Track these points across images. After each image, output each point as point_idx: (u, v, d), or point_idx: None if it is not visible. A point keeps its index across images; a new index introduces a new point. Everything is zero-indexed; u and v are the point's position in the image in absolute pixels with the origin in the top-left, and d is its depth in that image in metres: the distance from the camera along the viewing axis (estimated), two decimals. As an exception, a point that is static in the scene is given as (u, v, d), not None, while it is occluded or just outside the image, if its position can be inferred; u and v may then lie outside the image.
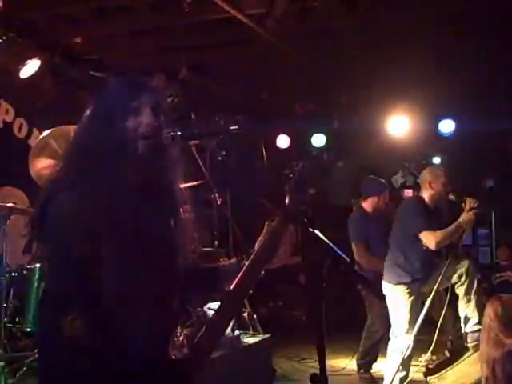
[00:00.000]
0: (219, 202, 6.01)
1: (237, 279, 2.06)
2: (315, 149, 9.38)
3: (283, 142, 9.49)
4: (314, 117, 8.97)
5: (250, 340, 5.87)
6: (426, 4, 6.04)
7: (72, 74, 6.75)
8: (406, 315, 5.22)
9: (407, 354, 5.09)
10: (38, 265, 5.05)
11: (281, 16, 6.14)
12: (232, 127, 2.27)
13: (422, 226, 5.12)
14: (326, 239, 2.14)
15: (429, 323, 7.85)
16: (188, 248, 2.11)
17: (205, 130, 2.24)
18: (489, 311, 3.07)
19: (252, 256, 2.11)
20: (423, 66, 7.29)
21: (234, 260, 2.27)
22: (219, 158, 5.71)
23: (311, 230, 2.14)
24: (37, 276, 4.99)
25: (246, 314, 6.29)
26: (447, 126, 8.59)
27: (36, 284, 4.98)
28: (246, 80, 7.83)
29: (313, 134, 9.01)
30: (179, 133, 2.12)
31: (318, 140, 9.08)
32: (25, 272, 4.99)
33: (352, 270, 2.12)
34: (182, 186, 6.15)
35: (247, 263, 2.10)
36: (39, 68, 6.02)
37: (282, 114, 9.06)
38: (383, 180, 6.83)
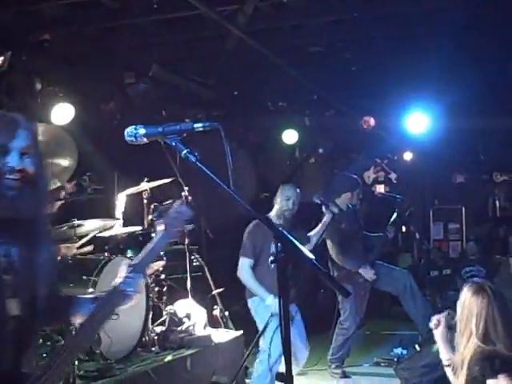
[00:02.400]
0: (189, 200, 5.98)
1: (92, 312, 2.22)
2: (287, 145, 9.40)
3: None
4: (285, 113, 8.97)
5: (222, 337, 5.88)
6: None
7: (39, 71, 6.64)
8: None
9: None
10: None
11: (252, 13, 6.12)
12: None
13: None
14: (291, 238, 2.15)
15: (396, 317, 8.01)
16: (50, 278, 2.25)
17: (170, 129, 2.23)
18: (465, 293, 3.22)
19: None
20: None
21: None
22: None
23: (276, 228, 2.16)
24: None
25: (217, 312, 6.29)
26: (419, 122, 8.65)
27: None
28: (218, 77, 7.79)
29: (284, 130, 9.01)
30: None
31: (290, 136, 9.07)
32: None
33: (317, 267, 2.12)
34: (154, 183, 6.04)
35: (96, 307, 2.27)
36: (6, 65, 5.90)
37: (255, 111, 9.04)
38: (356, 176, 6.87)
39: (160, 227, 2.48)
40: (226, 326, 6.25)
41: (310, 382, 6.21)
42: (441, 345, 3.32)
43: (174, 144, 2.20)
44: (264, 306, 5.13)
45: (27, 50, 6.35)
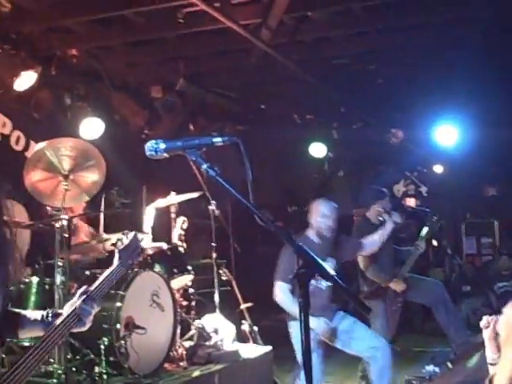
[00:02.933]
0: (217, 214, 5.95)
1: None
2: (314, 158, 9.34)
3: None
4: (312, 126, 8.93)
5: (251, 353, 5.81)
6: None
7: (68, 86, 6.71)
8: None
9: None
10: (35, 278, 4.99)
11: (276, 26, 6.11)
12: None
13: None
14: (312, 254, 2.10)
15: (428, 334, 7.85)
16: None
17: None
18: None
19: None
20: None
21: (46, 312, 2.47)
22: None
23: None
24: (34, 289, 4.93)
25: (246, 327, 6.21)
26: (448, 135, 8.53)
27: (34, 298, 4.92)
28: (244, 90, 7.79)
29: (311, 143, 8.96)
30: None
31: (317, 149, 9.02)
32: (22, 285, 4.93)
33: (338, 283, 2.07)
34: (182, 197, 6.01)
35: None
36: (35, 80, 5.98)
37: (281, 124, 9.02)
38: (383, 189, 6.77)
39: (116, 258, 2.64)
40: (255, 341, 6.17)
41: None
42: (487, 343, 3.16)
43: (193, 158, 2.17)
44: None
45: (56, 65, 6.43)
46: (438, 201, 11.05)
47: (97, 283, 2.49)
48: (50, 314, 2.42)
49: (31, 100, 6.32)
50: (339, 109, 8.66)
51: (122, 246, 2.69)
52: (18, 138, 6.76)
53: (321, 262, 2.16)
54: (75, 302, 2.40)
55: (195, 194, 6.07)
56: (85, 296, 2.40)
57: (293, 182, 10.34)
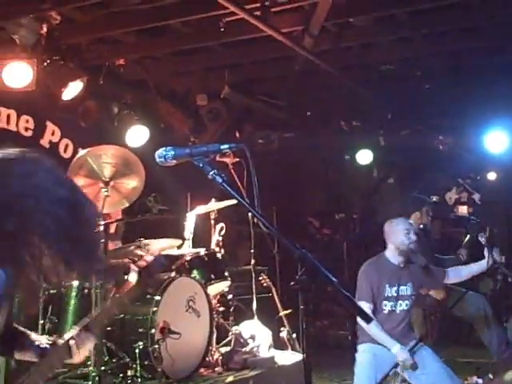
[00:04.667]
0: (256, 220, 6.00)
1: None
2: (361, 166, 9.28)
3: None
4: (359, 133, 8.87)
5: (287, 359, 5.82)
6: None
7: (115, 95, 6.90)
8: None
9: None
10: (75, 282, 5.15)
11: (318, 33, 6.12)
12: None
13: None
14: (313, 259, 2.12)
15: (475, 345, 7.66)
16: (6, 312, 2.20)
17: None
18: None
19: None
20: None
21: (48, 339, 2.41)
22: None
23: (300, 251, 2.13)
24: (74, 293, 5.09)
25: (284, 334, 6.24)
26: (498, 141, 8.32)
27: (73, 301, 5.08)
28: (289, 97, 7.82)
29: (358, 150, 8.91)
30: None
31: (364, 156, 8.96)
32: (62, 289, 5.10)
33: (340, 291, 2.08)
34: (222, 204, 6.06)
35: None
36: (82, 90, 6.18)
37: (328, 131, 9.00)
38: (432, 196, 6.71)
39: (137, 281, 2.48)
40: (293, 349, 6.18)
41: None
42: None
43: (201, 165, 2.22)
44: (381, 353, 4.58)
45: (104, 75, 6.63)
46: (491, 208, 10.78)
47: (95, 313, 2.45)
48: (49, 342, 2.37)
49: (79, 109, 6.52)
50: (386, 115, 8.57)
51: (142, 266, 2.53)
52: (67, 146, 7.01)
53: (323, 268, 2.15)
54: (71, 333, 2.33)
55: (234, 201, 6.11)
56: (82, 327, 2.35)
57: (340, 189, 10.29)
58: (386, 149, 9.16)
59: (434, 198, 9.97)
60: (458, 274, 5.17)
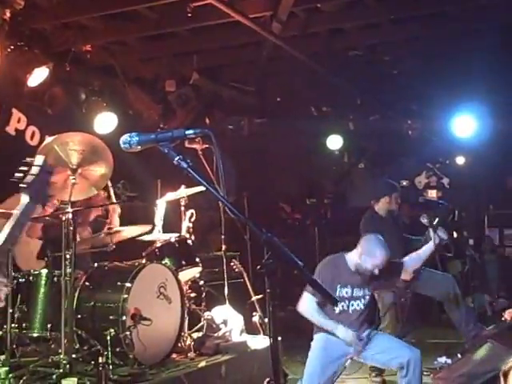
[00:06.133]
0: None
1: None
2: (333, 150, 9.33)
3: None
4: (329, 118, 8.91)
5: (259, 344, 5.85)
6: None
7: (83, 82, 6.82)
8: None
9: None
10: (44, 270, 5.11)
11: (286, 19, 6.12)
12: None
13: None
14: (279, 243, 2.13)
15: (444, 325, 7.80)
16: None
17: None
18: None
19: None
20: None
21: None
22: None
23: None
24: (43, 281, 5.04)
25: (256, 318, 6.26)
26: (466, 126, 8.42)
27: (43, 289, 5.03)
28: (258, 83, 7.81)
29: (328, 136, 8.95)
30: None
31: (335, 141, 9.01)
32: (31, 278, 5.04)
33: (305, 274, 2.11)
34: (192, 190, 6.02)
35: None
36: (48, 76, 6.09)
37: (298, 116, 9.01)
38: (394, 182, 6.76)
39: (24, 198, 2.41)
40: (265, 333, 6.20)
41: (351, 390, 6.11)
42: None
43: (166, 151, 2.21)
44: (332, 341, 4.60)
45: (70, 61, 6.54)
46: (460, 192, 10.94)
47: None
48: None
49: (45, 96, 6.43)
50: (355, 100, 8.62)
51: (30, 179, 2.43)
52: (33, 133, 6.90)
53: (289, 252, 2.17)
54: None
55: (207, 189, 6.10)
56: None
57: (312, 174, 10.33)
58: (356, 134, 9.24)
59: (404, 183, 10.11)
60: (413, 260, 5.11)
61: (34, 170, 2.44)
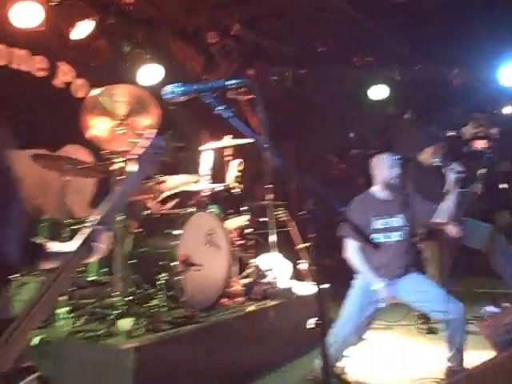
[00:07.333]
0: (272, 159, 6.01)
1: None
2: (377, 101, 9.20)
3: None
4: (373, 68, 8.77)
5: (307, 290, 5.92)
6: None
7: (126, 34, 6.85)
8: None
9: None
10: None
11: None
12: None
13: None
14: (322, 190, 2.16)
15: (490, 275, 7.75)
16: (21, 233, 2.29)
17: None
18: None
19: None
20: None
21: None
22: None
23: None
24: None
25: (304, 265, 6.32)
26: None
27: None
28: (300, 33, 7.73)
29: (372, 86, 8.83)
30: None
31: (379, 91, 8.88)
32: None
33: (346, 219, 2.15)
34: (238, 141, 6.03)
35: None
36: (92, 29, 6.14)
37: (341, 67, 8.90)
38: (439, 132, 6.66)
39: (132, 167, 2.40)
40: (313, 280, 6.26)
41: (396, 337, 6.16)
42: None
43: (208, 101, 2.24)
44: (365, 290, 4.66)
45: (114, 14, 6.57)
46: (509, 143, 10.69)
47: (106, 205, 2.35)
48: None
49: (89, 48, 6.49)
50: (400, 50, 8.45)
51: (141, 151, 2.44)
52: (80, 86, 7.01)
53: (331, 198, 2.20)
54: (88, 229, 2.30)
55: (251, 139, 6.12)
56: (96, 221, 2.30)
57: (356, 124, 10.23)
58: (402, 83, 9.07)
59: (451, 133, 9.90)
60: (445, 208, 4.94)
61: (147, 143, 2.46)
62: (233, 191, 5.95)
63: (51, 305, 2.27)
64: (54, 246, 2.43)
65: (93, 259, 2.34)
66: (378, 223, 4.73)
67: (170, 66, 7.14)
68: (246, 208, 5.88)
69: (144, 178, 2.49)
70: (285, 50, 8.01)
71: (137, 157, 2.41)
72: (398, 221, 4.77)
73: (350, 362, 4.78)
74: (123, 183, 2.42)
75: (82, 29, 6.05)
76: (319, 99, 9.46)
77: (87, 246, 2.26)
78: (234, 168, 6.13)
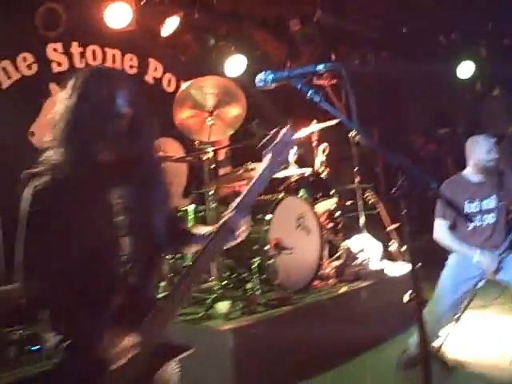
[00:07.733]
0: (357, 140, 6.05)
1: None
2: (463, 79, 9.00)
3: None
4: (459, 46, 8.58)
5: (398, 271, 5.93)
6: None
7: (211, 28, 7.05)
8: None
9: None
10: (191, 206, 5.49)
11: None
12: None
13: None
14: (412, 168, 2.18)
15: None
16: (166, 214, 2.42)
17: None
18: None
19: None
20: None
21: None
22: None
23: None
24: (191, 216, 5.42)
25: (395, 246, 6.35)
26: None
27: (191, 223, 5.40)
28: (382, 16, 7.68)
29: (459, 63, 8.64)
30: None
31: (466, 69, 8.69)
32: (180, 214, 5.43)
33: (439, 195, 2.15)
34: (322, 125, 6.08)
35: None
36: (179, 25, 6.37)
37: (426, 46, 8.76)
38: None
39: (266, 158, 2.42)
40: (404, 261, 6.28)
41: (491, 316, 6.07)
42: None
43: (299, 86, 2.33)
44: (467, 260, 4.55)
45: (198, 9, 6.77)
46: None
47: (244, 193, 2.38)
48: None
49: (177, 44, 6.73)
50: (486, 26, 8.23)
51: (273, 144, 2.46)
52: (170, 81, 7.29)
53: (422, 175, 2.23)
54: (227, 216, 2.35)
55: (334, 122, 6.18)
56: (234, 207, 2.35)
57: (443, 103, 10.04)
58: (489, 60, 8.83)
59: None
60: None
61: (278, 137, 2.48)
62: (320, 175, 6.03)
63: (193, 286, 2.34)
64: (201, 230, 2.52)
65: (233, 244, 2.40)
66: (472, 206, 4.67)
67: (255, 56, 7.30)
68: (333, 191, 5.94)
69: (277, 170, 2.50)
70: (367, 33, 7.98)
71: (271, 150, 2.44)
72: (490, 202, 4.68)
73: (447, 342, 4.78)
74: (258, 176, 2.43)
75: (170, 25, 6.29)
76: (403, 80, 9.35)
77: (228, 231, 2.33)
78: (320, 153, 6.22)
